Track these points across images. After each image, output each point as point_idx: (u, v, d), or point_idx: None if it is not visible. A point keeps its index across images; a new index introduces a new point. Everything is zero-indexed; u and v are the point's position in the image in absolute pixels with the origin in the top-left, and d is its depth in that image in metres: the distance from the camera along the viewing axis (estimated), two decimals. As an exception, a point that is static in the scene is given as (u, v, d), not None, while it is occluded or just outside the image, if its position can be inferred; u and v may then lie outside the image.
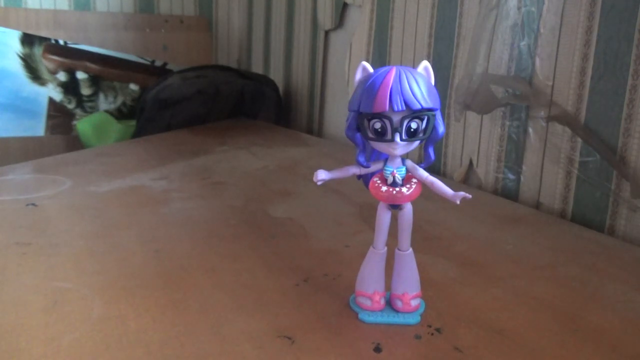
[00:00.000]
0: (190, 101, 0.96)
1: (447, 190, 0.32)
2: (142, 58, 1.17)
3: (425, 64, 0.32)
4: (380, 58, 0.83)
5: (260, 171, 0.71)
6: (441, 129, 0.32)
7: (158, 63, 1.19)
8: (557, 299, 0.38)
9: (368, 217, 0.53)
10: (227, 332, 0.33)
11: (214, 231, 0.49)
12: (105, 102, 1.15)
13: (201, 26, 1.25)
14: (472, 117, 0.68)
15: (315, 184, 0.33)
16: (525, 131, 0.62)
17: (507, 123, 0.63)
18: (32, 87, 1.06)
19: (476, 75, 0.63)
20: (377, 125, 0.31)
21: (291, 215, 0.54)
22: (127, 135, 1.05)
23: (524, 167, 0.62)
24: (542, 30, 0.59)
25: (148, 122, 0.93)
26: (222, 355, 0.31)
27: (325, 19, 0.96)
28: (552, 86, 0.58)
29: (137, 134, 0.94)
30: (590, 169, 0.55)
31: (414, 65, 0.32)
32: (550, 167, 0.59)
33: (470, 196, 0.32)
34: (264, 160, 0.76)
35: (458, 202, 0.32)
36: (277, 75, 1.14)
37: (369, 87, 0.30)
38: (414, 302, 0.35)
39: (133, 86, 1.17)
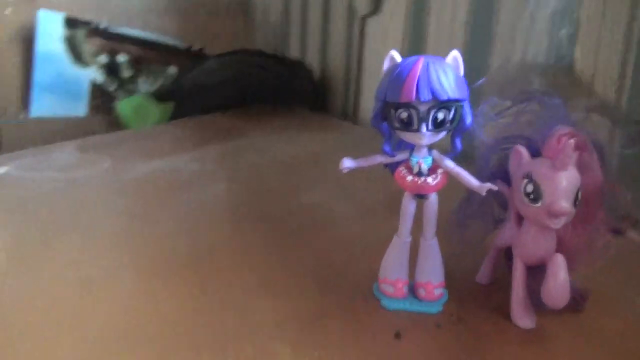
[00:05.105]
0: (226, 85, 0.97)
1: (473, 181, 0.32)
2: (180, 42, 1.18)
3: (454, 53, 0.32)
4: (416, 44, 0.82)
5: (293, 156, 0.71)
6: (469, 119, 0.32)
7: (195, 47, 1.20)
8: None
9: (397, 206, 0.53)
10: (252, 313, 0.34)
11: (244, 215, 0.50)
12: (144, 85, 1.17)
13: (239, 10, 1.26)
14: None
15: (345, 171, 0.33)
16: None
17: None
18: (74, 70, 1.09)
19: (512, 64, 0.62)
20: (404, 115, 0.31)
21: (320, 201, 0.54)
22: (165, 117, 1.07)
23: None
24: (583, 19, 0.57)
25: (184, 106, 0.95)
26: (249, 335, 0.32)
27: (362, 3, 0.95)
28: (593, 76, 0.57)
29: (173, 117, 0.96)
30: (629, 162, 0.53)
31: (448, 52, 0.32)
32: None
33: (496, 188, 0.32)
34: (297, 145, 0.76)
35: (484, 193, 0.32)
36: (313, 61, 1.14)
37: (396, 77, 0.31)
38: (437, 291, 0.35)
39: (171, 70, 1.19)
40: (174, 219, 0.48)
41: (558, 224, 0.31)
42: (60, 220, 0.47)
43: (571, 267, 0.34)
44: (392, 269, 0.35)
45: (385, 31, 0.88)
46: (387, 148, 0.33)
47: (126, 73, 1.15)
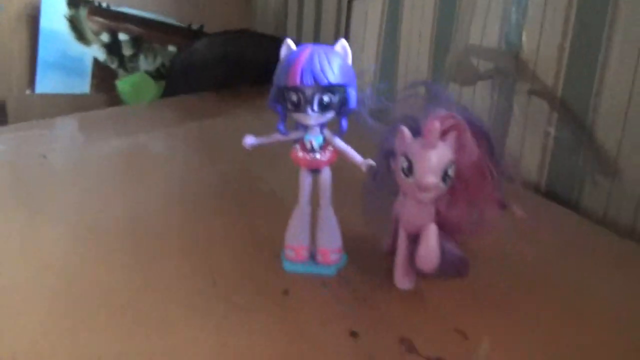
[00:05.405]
0: (216, 66, 1.01)
1: (357, 157, 0.36)
2: (180, 21, 1.22)
3: (342, 42, 0.36)
4: (392, 27, 0.84)
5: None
6: (353, 102, 0.35)
7: (195, 26, 1.24)
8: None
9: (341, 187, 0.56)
10: (162, 275, 0.39)
11: (192, 197, 0.53)
12: (145, 63, 1.22)
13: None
14: (465, 90, 0.69)
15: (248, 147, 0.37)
16: (511, 105, 0.63)
17: (496, 97, 0.65)
18: (78, 47, 1.15)
19: (462, 47, 0.64)
20: (293, 97, 0.35)
21: (274, 184, 0.56)
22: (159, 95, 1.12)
23: (507, 142, 0.63)
24: (530, 3, 0.59)
25: (174, 85, 0.99)
26: (148, 288, 0.37)
27: (348, -14, 0.98)
28: (535, 61, 0.59)
29: (164, 95, 1.01)
30: (563, 145, 0.56)
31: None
32: (529, 142, 0.60)
33: (374, 164, 0.36)
34: (272, 126, 0.79)
35: (364, 168, 0.35)
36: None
37: (286, 63, 0.34)
38: (334, 256, 0.39)
39: (172, 48, 1.23)
40: (124, 199, 0.52)
41: (427, 197, 0.34)
42: (17, 194, 0.52)
43: (452, 237, 0.37)
44: (294, 236, 0.39)
45: (364, 14, 0.91)
46: (281, 127, 0.37)
47: (127, 51, 1.20)
